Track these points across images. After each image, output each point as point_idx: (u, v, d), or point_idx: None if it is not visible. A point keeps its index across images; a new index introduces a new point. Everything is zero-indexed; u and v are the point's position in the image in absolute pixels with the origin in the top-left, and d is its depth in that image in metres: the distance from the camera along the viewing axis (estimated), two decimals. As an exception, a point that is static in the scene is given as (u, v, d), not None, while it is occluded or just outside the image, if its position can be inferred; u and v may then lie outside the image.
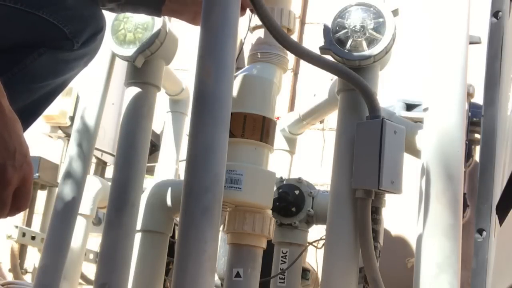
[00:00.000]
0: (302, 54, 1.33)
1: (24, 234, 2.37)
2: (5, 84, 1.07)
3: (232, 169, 1.34)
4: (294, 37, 1.76)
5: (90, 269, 2.47)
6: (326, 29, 1.38)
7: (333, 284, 1.30)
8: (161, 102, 1.91)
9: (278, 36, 1.26)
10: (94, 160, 2.59)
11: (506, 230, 0.88)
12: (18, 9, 1.04)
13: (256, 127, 1.39)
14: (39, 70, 1.09)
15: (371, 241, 1.29)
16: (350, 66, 1.37)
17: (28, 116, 1.14)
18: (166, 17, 1.57)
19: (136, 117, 1.54)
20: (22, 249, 2.44)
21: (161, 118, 2.08)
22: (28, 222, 2.48)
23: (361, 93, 1.32)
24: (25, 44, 1.08)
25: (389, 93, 1.96)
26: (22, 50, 1.08)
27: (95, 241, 2.43)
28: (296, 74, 2.99)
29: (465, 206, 2.16)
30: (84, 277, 2.43)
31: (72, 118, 2.38)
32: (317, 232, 1.85)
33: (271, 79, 1.45)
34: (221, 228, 1.42)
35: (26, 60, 1.08)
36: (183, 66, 1.99)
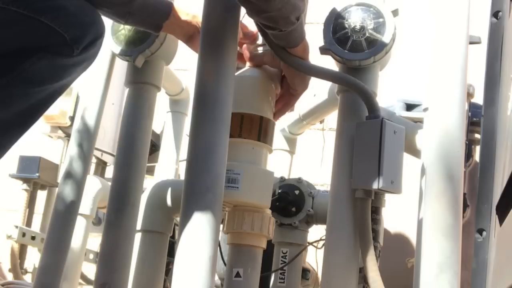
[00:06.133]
0: (298, 65, 1.33)
1: (24, 234, 2.37)
2: (3, 87, 1.07)
3: (229, 168, 1.33)
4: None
5: (90, 269, 2.47)
6: (326, 28, 1.38)
7: (333, 284, 1.30)
8: (161, 102, 1.91)
9: None
10: (94, 160, 2.59)
11: (506, 230, 0.88)
12: (20, 14, 1.04)
13: (253, 127, 1.39)
14: (38, 74, 1.09)
15: (371, 241, 1.29)
16: (350, 66, 1.37)
17: (26, 120, 1.14)
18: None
19: (136, 117, 1.54)
20: (22, 249, 2.44)
21: (161, 118, 2.08)
22: (28, 222, 2.48)
23: (359, 95, 1.32)
24: (25, 49, 1.07)
25: (389, 93, 1.96)
26: (21, 54, 1.07)
27: (95, 241, 2.43)
28: (296, 74, 2.98)
29: (465, 206, 2.16)
30: (84, 277, 2.43)
31: (72, 118, 2.38)
32: (317, 232, 1.85)
33: (269, 80, 1.44)
34: (221, 228, 1.42)
35: (25, 64, 1.07)
36: (183, 66, 1.99)
